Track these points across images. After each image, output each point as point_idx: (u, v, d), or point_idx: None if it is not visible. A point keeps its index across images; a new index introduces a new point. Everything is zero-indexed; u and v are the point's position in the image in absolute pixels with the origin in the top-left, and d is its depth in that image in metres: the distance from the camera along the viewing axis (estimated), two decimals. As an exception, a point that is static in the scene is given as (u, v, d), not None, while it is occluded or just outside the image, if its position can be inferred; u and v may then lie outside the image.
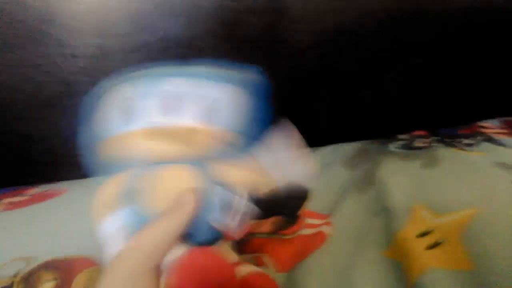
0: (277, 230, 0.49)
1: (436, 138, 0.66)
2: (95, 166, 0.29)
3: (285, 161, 0.32)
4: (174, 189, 0.27)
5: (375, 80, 0.75)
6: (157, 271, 0.25)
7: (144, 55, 0.67)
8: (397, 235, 0.42)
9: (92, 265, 0.43)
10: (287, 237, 0.48)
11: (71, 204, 0.55)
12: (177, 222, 0.26)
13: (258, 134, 0.30)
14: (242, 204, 0.28)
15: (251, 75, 0.32)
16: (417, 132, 0.71)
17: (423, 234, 0.40)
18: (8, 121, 0.68)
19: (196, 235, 0.27)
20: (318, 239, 0.46)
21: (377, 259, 0.41)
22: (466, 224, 0.39)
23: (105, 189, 0.28)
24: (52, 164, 0.71)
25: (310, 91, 0.74)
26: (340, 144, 0.68)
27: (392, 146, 0.65)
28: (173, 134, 0.27)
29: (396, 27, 0.70)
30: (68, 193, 0.58)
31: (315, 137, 0.71)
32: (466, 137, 0.65)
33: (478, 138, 0.64)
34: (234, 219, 0.28)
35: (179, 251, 0.27)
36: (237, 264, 0.31)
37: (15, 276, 0.42)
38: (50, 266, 0.43)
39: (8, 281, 0.41)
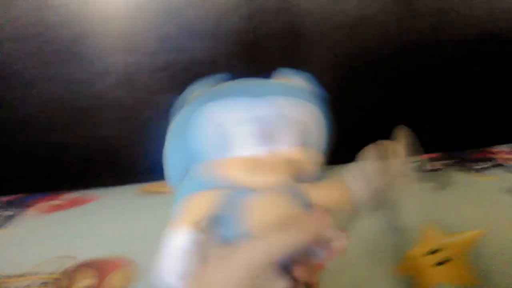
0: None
1: (449, 161, 0.68)
2: (185, 185, 0.29)
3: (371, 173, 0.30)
4: (270, 215, 0.26)
5: (390, 103, 0.77)
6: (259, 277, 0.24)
7: (170, 73, 0.71)
8: (408, 253, 0.44)
9: (125, 265, 0.46)
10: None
11: (105, 209, 0.59)
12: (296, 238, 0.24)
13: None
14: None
15: (314, 87, 0.31)
16: (430, 155, 0.73)
17: (433, 252, 0.42)
18: (43, 131, 0.72)
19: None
20: (332, 254, 0.49)
21: (388, 275, 0.43)
22: (473, 243, 0.42)
23: (195, 202, 0.27)
24: (84, 172, 0.74)
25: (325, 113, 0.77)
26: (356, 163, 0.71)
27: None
28: (271, 164, 0.26)
29: (412, 53, 0.73)
30: (102, 199, 0.62)
31: (330, 156, 0.74)
32: (478, 161, 0.67)
33: (489, 163, 0.66)
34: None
35: (280, 285, 0.25)
36: None
37: (58, 272, 0.46)
38: (88, 264, 0.47)
39: (52, 277, 0.45)
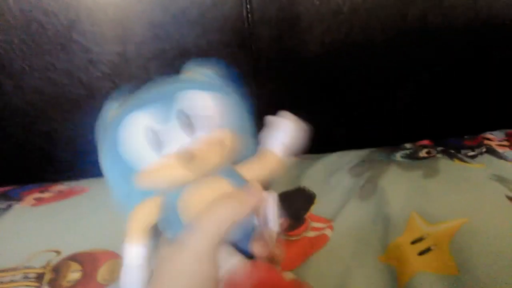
0: (283, 232, 0.52)
1: (440, 148, 0.68)
2: (130, 197, 0.30)
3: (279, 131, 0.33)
4: (209, 199, 0.28)
5: (382, 91, 0.77)
6: (217, 255, 0.27)
7: (162, 62, 0.71)
8: (394, 242, 0.45)
9: (114, 257, 0.47)
10: (293, 238, 0.51)
11: (94, 201, 0.59)
12: (241, 207, 0.27)
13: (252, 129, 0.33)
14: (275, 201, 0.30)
15: (225, 75, 0.34)
16: (423, 142, 0.73)
17: (417, 241, 0.43)
18: (33, 121, 0.72)
19: (244, 241, 0.29)
20: (321, 241, 0.49)
21: (374, 263, 0.44)
22: (455, 233, 0.42)
23: (139, 214, 0.29)
24: (74, 163, 0.75)
25: (318, 100, 0.77)
26: (346, 151, 0.71)
27: (398, 155, 0.68)
28: (201, 151, 0.28)
29: (403, 41, 0.73)
30: (90, 191, 0.63)
31: (322, 144, 0.75)
32: (470, 148, 0.68)
33: (481, 149, 0.66)
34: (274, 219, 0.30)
35: (234, 261, 0.28)
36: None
37: (46, 266, 0.47)
38: (76, 258, 0.47)
39: (41, 271, 0.46)
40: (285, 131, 0.32)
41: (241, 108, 0.32)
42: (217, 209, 0.27)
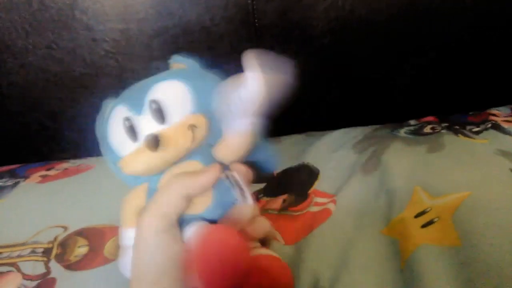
0: (287, 207, 0.53)
1: (445, 124, 0.68)
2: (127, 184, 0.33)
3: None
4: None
5: (387, 68, 0.77)
6: (177, 227, 0.28)
7: (165, 39, 0.70)
8: (397, 216, 0.45)
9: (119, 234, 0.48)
10: (296, 213, 0.51)
11: (99, 178, 0.60)
12: (197, 181, 0.29)
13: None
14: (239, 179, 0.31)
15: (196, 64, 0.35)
16: (428, 118, 0.73)
17: (420, 214, 0.43)
18: (37, 100, 0.72)
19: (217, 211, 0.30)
20: (324, 215, 0.50)
21: (376, 236, 0.44)
22: (459, 205, 0.42)
23: (130, 200, 0.32)
24: (79, 141, 0.75)
25: (323, 76, 0.77)
26: (351, 128, 0.71)
27: (402, 131, 0.67)
28: (175, 136, 0.30)
29: (408, 16, 0.72)
30: (96, 168, 0.63)
31: (328, 121, 0.75)
32: (475, 124, 0.67)
33: (486, 125, 0.66)
34: (246, 196, 0.31)
35: (199, 226, 0.29)
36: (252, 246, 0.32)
37: (53, 241, 0.48)
38: (83, 233, 0.48)
39: (49, 245, 0.47)
40: (251, 89, 0.29)
41: (213, 93, 0.32)
42: (169, 185, 0.29)
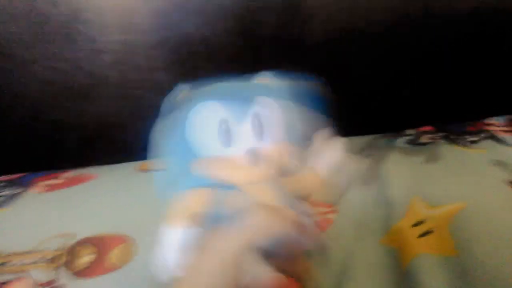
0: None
1: (442, 134, 0.69)
2: (181, 180, 0.31)
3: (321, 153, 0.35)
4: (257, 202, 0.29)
5: (385, 79, 0.78)
6: (242, 260, 0.27)
7: (166, 50, 0.71)
8: (395, 225, 0.46)
9: (125, 242, 0.49)
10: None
11: (104, 187, 0.61)
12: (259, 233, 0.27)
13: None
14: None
15: (310, 85, 0.36)
16: (425, 128, 0.74)
17: (417, 224, 0.44)
18: (41, 110, 0.73)
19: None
20: (324, 224, 0.51)
21: (376, 246, 0.45)
22: (455, 215, 0.43)
23: (189, 199, 0.30)
24: (81, 150, 0.76)
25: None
26: (349, 138, 0.72)
27: (400, 141, 0.69)
28: (268, 158, 0.30)
29: (404, 27, 0.73)
30: (99, 177, 0.64)
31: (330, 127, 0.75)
32: (472, 134, 0.68)
33: (483, 135, 0.67)
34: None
35: (260, 270, 0.28)
36: None
37: (62, 248, 0.48)
38: (90, 241, 0.49)
39: (55, 253, 0.48)
40: (331, 157, 0.35)
41: (302, 127, 0.33)
42: (258, 218, 0.27)
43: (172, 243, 0.29)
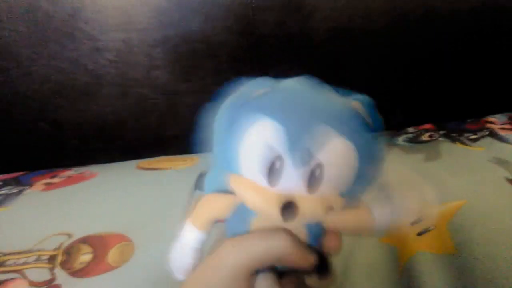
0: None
1: (442, 132, 0.69)
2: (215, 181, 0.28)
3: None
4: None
5: (385, 76, 0.78)
6: (252, 275, 0.25)
7: (166, 48, 0.72)
8: (394, 223, 0.46)
9: (124, 241, 0.49)
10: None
11: (103, 186, 0.61)
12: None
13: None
14: None
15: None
16: (425, 126, 0.74)
17: (416, 222, 0.44)
18: (42, 109, 0.73)
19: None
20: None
21: (375, 244, 0.45)
22: (454, 214, 0.43)
23: (213, 203, 0.28)
24: (82, 148, 0.76)
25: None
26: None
27: (400, 139, 0.68)
28: (310, 209, 0.25)
29: (405, 25, 0.73)
30: (99, 176, 0.64)
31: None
32: (472, 131, 0.68)
33: (483, 133, 0.67)
34: None
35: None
36: None
37: (58, 248, 0.48)
38: (87, 240, 0.49)
39: (54, 252, 0.48)
40: (398, 207, 0.28)
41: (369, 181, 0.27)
42: (274, 241, 0.25)
43: (188, 242, 0.28)
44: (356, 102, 0.27)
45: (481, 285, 0.35)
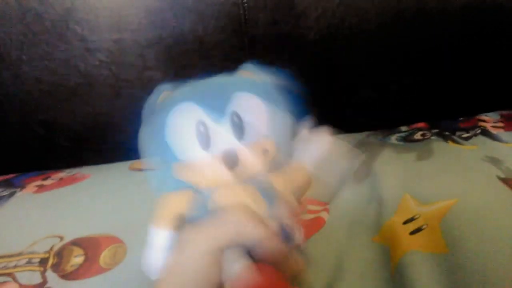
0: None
1: (435, 131, 0.69)
2: (165, 183, 0.30)
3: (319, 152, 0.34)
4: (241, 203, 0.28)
5: (378, 75, 0.78)
6: (221, 256, 0.26)
7: (158, 49, 0.71)
8: (387, 222, 0.46)
9: (116, 242, 0.49)
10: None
11: (95, 187, 0.61)
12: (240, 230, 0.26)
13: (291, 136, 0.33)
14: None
15: (284, 79, 0.34)
16: (418, 125, 0.74)
17: (408, 221, 0.44)
18: (33, 110, 0.73)
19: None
20: (317, 224, 0.51)
21: (368, 244, 0.45)
22: (446, 212, 0.43)
23: (173, 201, 0.30)
24: (74, 150, 0.76)
25: (315, 85, 0.78)
26: (341, 135, 0.72)
27: (393, 138, 0.69)
28: (252, 157, 0.28)
29: (398, 24, 0.73)
30: (91, 177, 0.64)
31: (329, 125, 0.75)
32: (465, 130, 0.68)
33: (475, 131, 0.67)
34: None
35: (239, 265, 0.27)
36: None
37: (50, 250, 0.48)
38: (79, 242, 0.49)
39: (45, 255, 0.47)
40: (319, 147, 0.33)
41: (287, 121, 0.32)
42: (237, 219, 0.27)
43: (158, 244, 0.29)
44: (261, 73, 0.33)
45: (473, 283, 0.35)
